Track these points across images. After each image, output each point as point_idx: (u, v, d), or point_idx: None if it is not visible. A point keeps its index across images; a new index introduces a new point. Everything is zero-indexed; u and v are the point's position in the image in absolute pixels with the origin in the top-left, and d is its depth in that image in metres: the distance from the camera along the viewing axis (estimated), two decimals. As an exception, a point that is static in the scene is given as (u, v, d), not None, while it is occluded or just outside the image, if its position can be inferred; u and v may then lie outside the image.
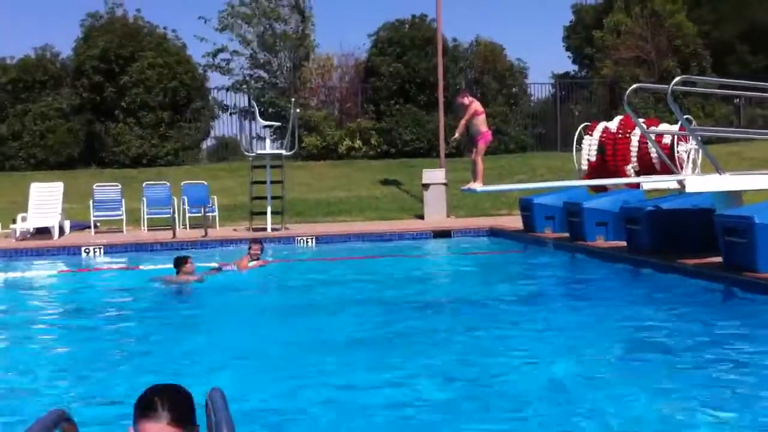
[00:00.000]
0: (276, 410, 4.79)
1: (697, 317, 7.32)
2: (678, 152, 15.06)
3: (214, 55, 26.73)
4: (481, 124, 10.86)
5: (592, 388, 5.09)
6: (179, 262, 10.06)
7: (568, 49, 33.65)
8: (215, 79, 36.62)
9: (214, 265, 11.41)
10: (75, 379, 5.78)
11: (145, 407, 2.41)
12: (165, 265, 10.78)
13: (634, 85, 11.73)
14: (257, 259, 11.29)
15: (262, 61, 26.89)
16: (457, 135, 12.17)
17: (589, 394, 4.97)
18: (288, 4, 26.61)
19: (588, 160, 16.54)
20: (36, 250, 13.75)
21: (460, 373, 5.58)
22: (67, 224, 15.84)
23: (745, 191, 10.06)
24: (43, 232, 15.30)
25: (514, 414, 4.63)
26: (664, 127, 15.78)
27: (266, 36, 26.48)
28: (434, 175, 17.99)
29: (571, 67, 33.59)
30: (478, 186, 10.53)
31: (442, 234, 15.33)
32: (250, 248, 11.41)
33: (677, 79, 8.96)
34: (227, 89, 26.80)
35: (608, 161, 15.94)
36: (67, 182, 17.15)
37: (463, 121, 11.22)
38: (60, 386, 5.57)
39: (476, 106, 10.88)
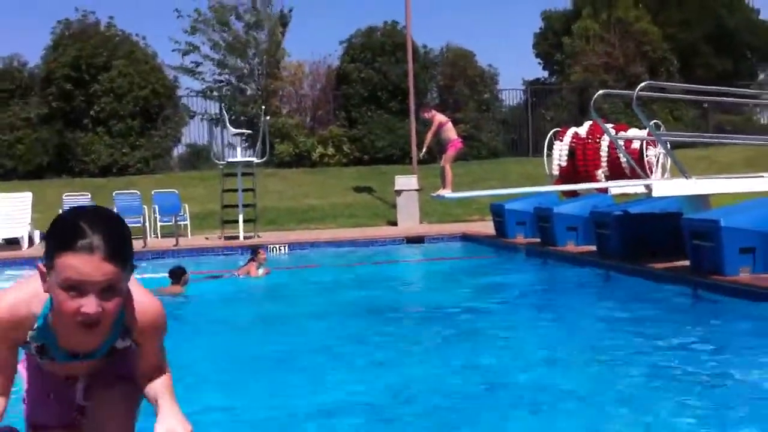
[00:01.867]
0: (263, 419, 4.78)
1: (665, 320, 7.41)
2: (647, 156, 15.26)
3: (185, 53, 26.58)
4: (449, 132, 10.94)
5: (562, 393, 5.13)
6: (177, 274, 9.68)
7: (538, 55, 33.94)
8: (186, 84, 36.34)
9: (215, 273, 11.30)
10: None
11: (72, 237, 2.02)
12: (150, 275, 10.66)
13: (600, 92, 11.85)
14: (264, 265, 11.14)
15: (231, 66, 26.75)
16: (424, 149, 12.26)
17: (560, 399, 5.01)
18: (261, 15, 26.49)
19: (559, 165, 16.70)
20: (4, 261, 13.59)
21: (433, 380, 5.59)
22: (36, 234, 15.68)
23: (714, 195, 10.21)
24: (11, 242, 15.13)
25: (488, 420, 4.65)
26: (633, 132, 15.97)
27: (236, 43, 26.37)
28: (407, 182, 18.05)
29: (542, 73, 33.90)
30: (447, 192, 10.58)
31: (415, 240, 15.38)
32: (256, 255, 11.17)
33: (641, 85, 9.07)
34: (197, 94, 26.70)
35: (578, 166, 16.11)
36: (37, 192, 16.99)
37: (429, 135, 11.28)
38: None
39: (439, 118, 10.95)
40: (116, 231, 2.09)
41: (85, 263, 1.99)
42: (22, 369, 2.58)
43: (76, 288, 2.02)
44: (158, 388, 2.46)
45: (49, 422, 2.55)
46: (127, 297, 2.28)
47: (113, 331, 2.28)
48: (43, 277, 2.13)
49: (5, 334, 2.24)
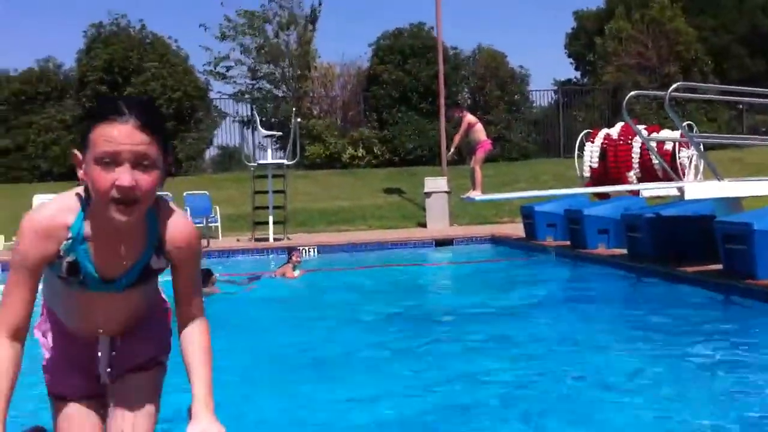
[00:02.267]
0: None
1: (697, 325, 7.32)
2: (679, 158, 15.09)
3: (216, 64, 26.83)
4: (479, 133, 10.87)
5: (596, 395, 5.10)
6: (204, 276, 9.58)
7: (569, 55, 33.75)
8: (218, 87, 36.85)
9: (252, 274, 11.41)
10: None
11: (106, 108, 2.09)
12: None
13: (633, 92, 11.75)
14: (299, 266, 11.28)
15: (263, 72, 26.94)
16: (453, 149, 12.20)
17: (594, 401, 4.98)
18: (292, 15, 26.60)
19: (590, 166, 16.58)
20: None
21: (464, 381, 5.58)
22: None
23: (746, 198, 10.07)
24: (46, 243, 15.36)
25: (519, 423, 4.64)
26: (665, 133, 15.81)
27: (267, 47, 26.53)
28: (436, 184, 18.02)
29: (574, 74, 33.75)
30: (477, 195, 10.53)
31: (444, 242, 15.34)
32: (291, 257, 11.33)
33: (674, 86, 8.97)
34: (229, 96, 26.90)
35: (610, 168, 15.97)
36: (71, 194, 17.21)
37: (457, 136, 11.23)
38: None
39: (469, 118, 10.88)
40: (150, 105, 2.18)
41: (119, 130, 2.04)
42: (41, 336, 2.59)
43: (111, 160, 2.06)
44: (194, 362, 2.43)
45: (71, 393, 2.54)
46: (162, 210, 2.35)
47: (147, 244, 2.31)
48: (79, 163, 2.17)
49: (38, 244, 2.21)
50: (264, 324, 8.42)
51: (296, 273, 11.12)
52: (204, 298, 8.12)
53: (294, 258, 11.29)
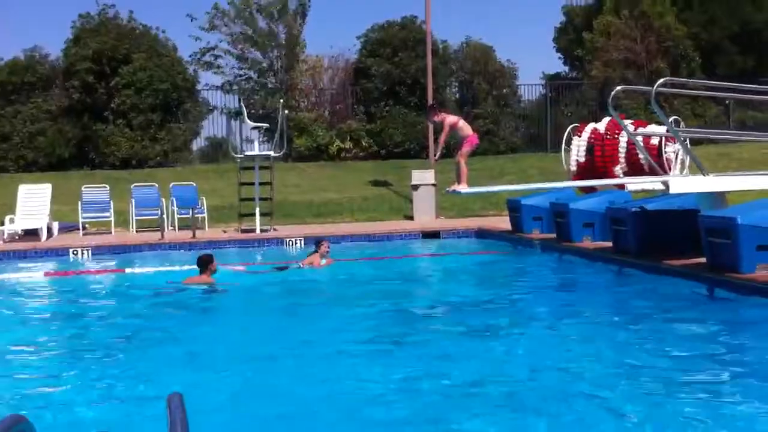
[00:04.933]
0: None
1: (681, 318, 7.36)
2: (666, 153, 15.13)
3: (203, 53, 26.65)
4: (464, 129, 10.83)
5: (578, 386, 5.12)
6: (204, 263, 9.58)
7: (558, 50, 33.74)
8: (205, 79, 36.71)
9: (281, 264, 11.44)
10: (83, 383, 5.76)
11: None
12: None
13: (619, 87, 11.76)
14: (327, 256, 11.29)
15: (251, 61, 26.78)
16: (437, 155, 11.98)
17: (577, 394, 5.00)
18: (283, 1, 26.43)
19: (577, 161, 16.60)
20: (23, 251, 13.71)
21: (452, 372, 5.59)
22: (55, 226, 15.82)
23: (731, 192, 10.11)
24: (31, 233, 15.27)
25: (504, 414, 4.65)
26: (652, 128, 15.85)
27: (256, 36, 26.40)
28: (423, 176, 18.01)
29: (562, 69, 33.72)
30: (462, 188, 10.48)
31: (431, 235, 15.35)
32: (319, 246, 11.35)
33: (660, 81, 8.97)
34: (217, 88, 26.79)
35: (596, 162, 16.00)
36: (57, 184, 17.13)
37: (442, 139, 11.15)
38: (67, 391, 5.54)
39: (449, 120, 10.76)
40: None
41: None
42: None
43: None
44: None
45: None
46: None
47: None
48: None
49: None
50: (288, 310, 8.50)
51: (324, 262, 11.15)
52: (200, 289, 8.05)
53: (322, 248, 11.29)
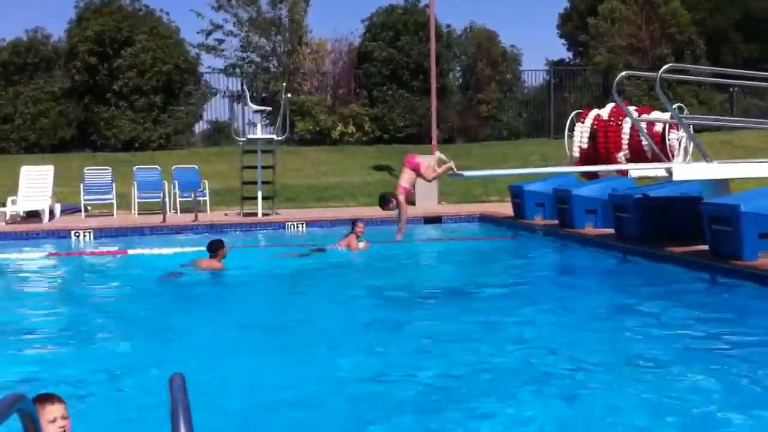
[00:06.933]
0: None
1: (683, 304, 7.36)
2: (669, 140, 15.11)
3: (208, 33, 26.54)
4: (404, 183, 10.86)
5: (580, 375, 5.13)
6: (215, 247, 9.55)
7: (562, 36, 33.58)
8: (208, 61, 36.51)
9: (315, 245, 11.38)
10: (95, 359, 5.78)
11: None
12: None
13: (623, 73, 11.72)
14: (362, 237, 11.16)
15: (255, 44, 26.68)
16: (399, 236, 11.29)
17: (578, 377, 5.01)
18: None
19: (580, 147, 16.59)
20: (25, 233, 13.71)
21: (453, 358, 5.60)
22: (57, 208, 15.82)
23: (734, 180, 10.09)
24: (33, 215, 15.27)
25: (503, 401, 4.66)
26: (656, 114, 15.81)
27: (259, 19, 26.29)
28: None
29: (566, 54, 33.56)
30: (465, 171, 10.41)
31: (434, 220, 15.35)
32: (355, 227, 11.18)
33: (665, 67, 8.94)
34: (220, 71, 26.70)
35: (599, 148, 15.99)
36: (60, 165, 17.11)
37: (403, 217, 10.92)
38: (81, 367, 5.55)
39: (400, 199, 10.68)
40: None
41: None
42: None
43: None
44: None
45: None
46: None
47: None
48: None
49: None
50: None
51: (361, 245, 11.06)
52: (208, 273, 8.09)
53: (358, 229, 11.14)
